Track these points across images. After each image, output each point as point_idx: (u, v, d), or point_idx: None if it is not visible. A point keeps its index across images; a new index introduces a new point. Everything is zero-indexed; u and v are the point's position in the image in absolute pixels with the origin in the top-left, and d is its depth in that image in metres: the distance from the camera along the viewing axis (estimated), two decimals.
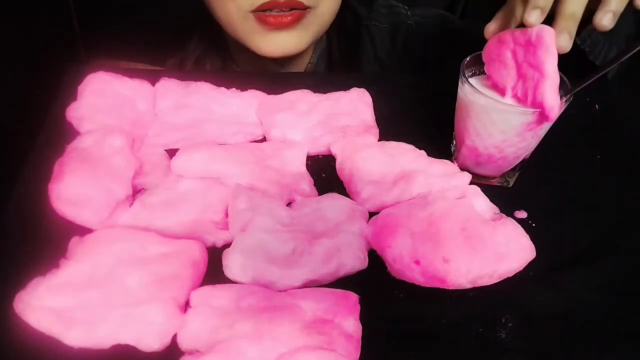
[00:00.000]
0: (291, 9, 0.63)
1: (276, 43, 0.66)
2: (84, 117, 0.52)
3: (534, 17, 0.44)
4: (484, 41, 0.50)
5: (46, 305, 0.39)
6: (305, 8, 0.64)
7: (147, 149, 0.53)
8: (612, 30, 0.61)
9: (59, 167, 0.47)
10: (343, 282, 0.44)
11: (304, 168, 0.53)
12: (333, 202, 0.49)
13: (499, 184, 0.54)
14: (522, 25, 0.46)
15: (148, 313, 0.39)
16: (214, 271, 0.44)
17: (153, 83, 0.58)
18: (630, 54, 0.44)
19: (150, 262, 0.42)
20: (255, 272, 0.43)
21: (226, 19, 0.66)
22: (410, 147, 0.55)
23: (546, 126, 0.49)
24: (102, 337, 0.38)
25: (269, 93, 0.60)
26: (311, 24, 0.66)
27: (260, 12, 0.63)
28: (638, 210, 0.53)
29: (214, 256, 0.45)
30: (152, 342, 0.38)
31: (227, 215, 0.48)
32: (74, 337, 0.38)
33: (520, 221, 0.48)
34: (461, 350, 0.41)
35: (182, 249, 0.44)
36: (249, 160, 0.52)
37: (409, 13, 0.80)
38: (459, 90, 0.51)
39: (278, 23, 0.63)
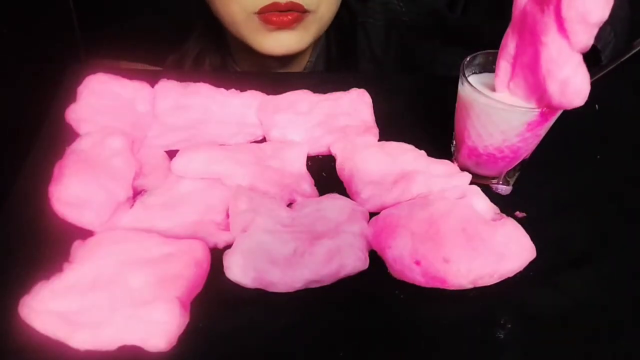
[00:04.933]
0: (290, 11, 0.64)
1: (278, 42, 0.67)
2: (83, 118, 0.52)
3: None
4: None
5: (51, 309, 0.39)
6: (304, 11, 0.65)
7: (147, 150, 0.53)
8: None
9: (59, 169, 0.47)
10: (343, 282, 0.44)
11: (304, 168, 0.53)
12: (333, 202, 0.49)
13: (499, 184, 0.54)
14: None
15: (153, 313, 0.39)
16: (215, 272, 0.44)
17: (152, 84, 0.58)
18: (630, 54, 0.44)
19: (154, 263, 0.42)
20: (256, 273, 0.43)
21: (230, 20, 0.67)
22: (410, 147, 0.55)
23: (546, 126, 0.49)
24: (108, 339, 0.38)
25: (268, 93, 0.60)
26: (311, 26, 0.68)
27: (263, 13, 0.64)
28: (638, 210, 0.53)
29: (216, 257, 0.45)
30: (158, 342, 0.39)
31: (228, 216, 0.48)
32: (80, 340, 0.38)
33: (520, 221, 0.48)
34: (461, 350, 0.41)
35: (185, 249, 0.44)
36: (249, 161, 0.52)
37: (404, 10, 0.80)
38: (459, 90, 0.51)
39: (280, 22, 0.65)
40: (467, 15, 0.96)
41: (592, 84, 0.47)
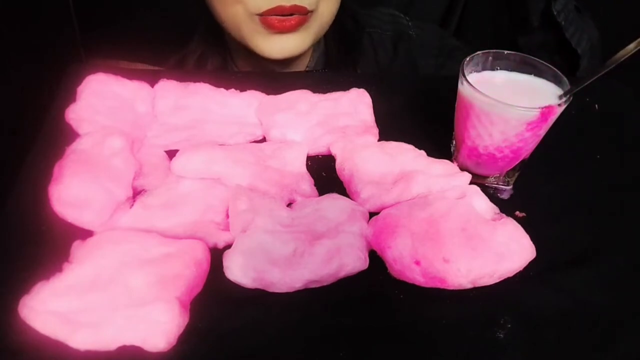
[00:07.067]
0: (294, 14, 0.64)
1: (279, 45, 0.67)
2: (83, 118, 0.52)
3: None
4: None
5: (51, 309, 0.39)
6: (307, 12, 0.65)
7: (146, 150, 0.53)
8: (584, 21, 0.64)
9: (59, 170, 0.47)
10: (343, 283, 0.44)
11: (304, 168, 0.53)
12: (333, 202, 0.49)
13: (499, 184, 0.54)
14: None
15: (153, 313, 0.39)
16: (215, 272, 0.44)
17: (152, 84, 0.58)
18: (628, 55, 0.44)
19: (153, 263, 0.42)
20: (256, 273, 0.43)
21: (231, 22, 0.67)
22: (410, 147, 0.55)
23: (546, 126, 0.49)
24: (108, 339, 0.38)
25: (268, 93, 0.60)
26: (312, 26, 0.68)
27: (265, 16, 0.64)
28: (638, 209, 0.53)
29: (216, 257, 0.45)
30: (157, 342, 0.39)
31: (228, 216, 0.48)
32: (80, 340, 0.38)
33: (520, 221, 0.48)
34: (461, 350, 0.41)
35: (184, 249, 0.44)
36: (249, 161, 0.51)
37: (410, 24, 0.82)
38: (459, 90, 0.51)
39: (282, 27, 0.65)
40: (463, 27, 0.98)
41: (592, 84, 0.47)
